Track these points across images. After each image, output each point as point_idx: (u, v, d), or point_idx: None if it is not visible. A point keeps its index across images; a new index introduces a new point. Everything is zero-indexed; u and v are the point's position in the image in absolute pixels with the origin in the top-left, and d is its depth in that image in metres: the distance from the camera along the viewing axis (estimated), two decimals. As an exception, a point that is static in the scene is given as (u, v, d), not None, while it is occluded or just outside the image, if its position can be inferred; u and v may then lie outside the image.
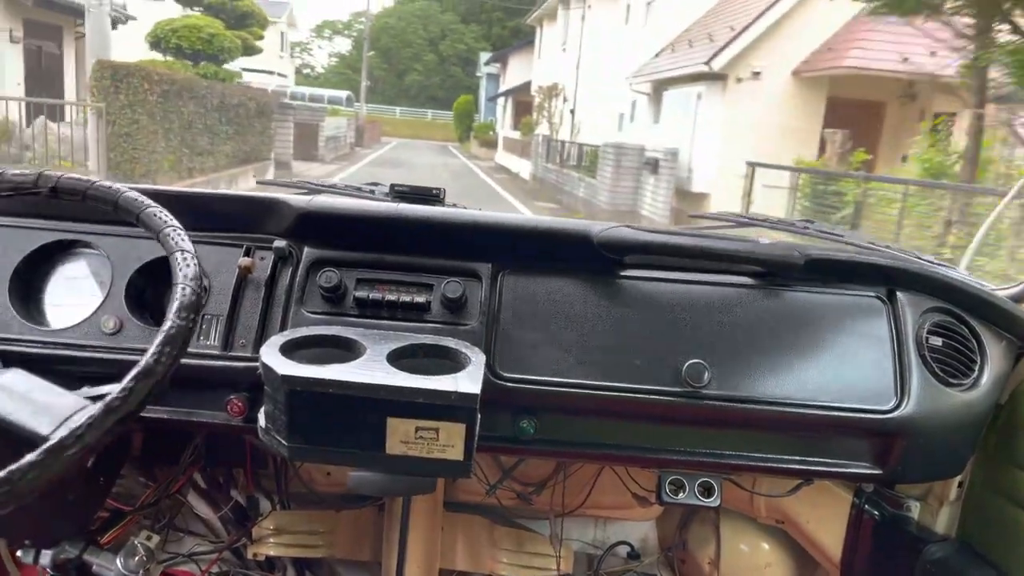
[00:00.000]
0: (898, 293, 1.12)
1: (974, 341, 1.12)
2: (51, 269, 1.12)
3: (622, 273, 1.12)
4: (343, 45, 65.76)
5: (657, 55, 15.86)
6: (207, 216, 1.12)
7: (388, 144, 36.55)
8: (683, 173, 12.79)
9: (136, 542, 1.27)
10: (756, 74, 12.18)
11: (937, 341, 1.10)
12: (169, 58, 16.87)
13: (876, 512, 1.27)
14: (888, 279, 1.13)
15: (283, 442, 0.89)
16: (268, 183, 1.86)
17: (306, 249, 1.12)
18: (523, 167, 24.15)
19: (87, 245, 1.13)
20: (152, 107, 9.80)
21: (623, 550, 1.67)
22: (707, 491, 1.18)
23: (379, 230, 1.14)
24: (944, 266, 1.23)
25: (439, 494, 1.52)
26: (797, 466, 1.10)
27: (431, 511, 1.48)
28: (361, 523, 1.59)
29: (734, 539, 1.57)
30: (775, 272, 1.11)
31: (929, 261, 1.24)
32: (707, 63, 12.14)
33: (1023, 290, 1.26)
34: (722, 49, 12.12)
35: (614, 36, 19.33)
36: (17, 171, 0.90)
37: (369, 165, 21.98)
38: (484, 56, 45.37)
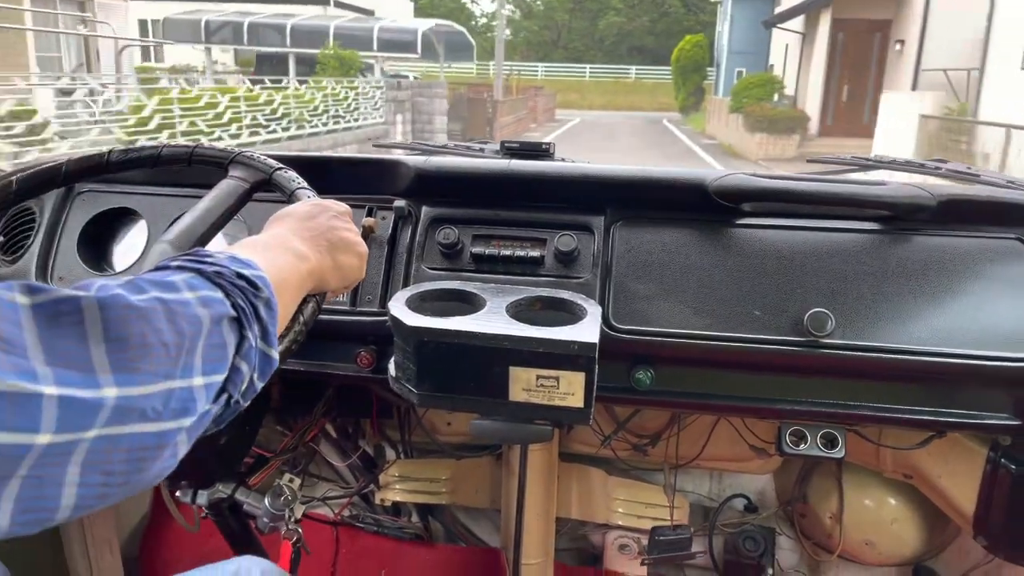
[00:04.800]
0: None
1: None
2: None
3: (738, 222, 1.09)
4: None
5: None
6: (332, 178, 1.18)
7: (562, 125, 22.79)
8: None
9: (281, 483, 1.39)
10: None
11: None
12: None
13: (1013, 466, 1.20)
14: None
15: (413, 390, 0.94)
16: (383, 146, 1.94)
17: (424, 208, 1.16)
18: None
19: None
20: None
21: (740, 503, 1.66)
22: (830, 443, 1.15)
23: (492, 187, 1.17)
24: None
25: (554, 445, 1.56)
26: (929, 417, 1.06)
27: (547, 461, 1.52)
28: (480, 472, 1.66)
29: (858, 493, 1.52)
30: (904, 215, 1.06)
31: None
32: None
33: None
34: None
35: None
36: (173, 143, 0.99)
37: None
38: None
